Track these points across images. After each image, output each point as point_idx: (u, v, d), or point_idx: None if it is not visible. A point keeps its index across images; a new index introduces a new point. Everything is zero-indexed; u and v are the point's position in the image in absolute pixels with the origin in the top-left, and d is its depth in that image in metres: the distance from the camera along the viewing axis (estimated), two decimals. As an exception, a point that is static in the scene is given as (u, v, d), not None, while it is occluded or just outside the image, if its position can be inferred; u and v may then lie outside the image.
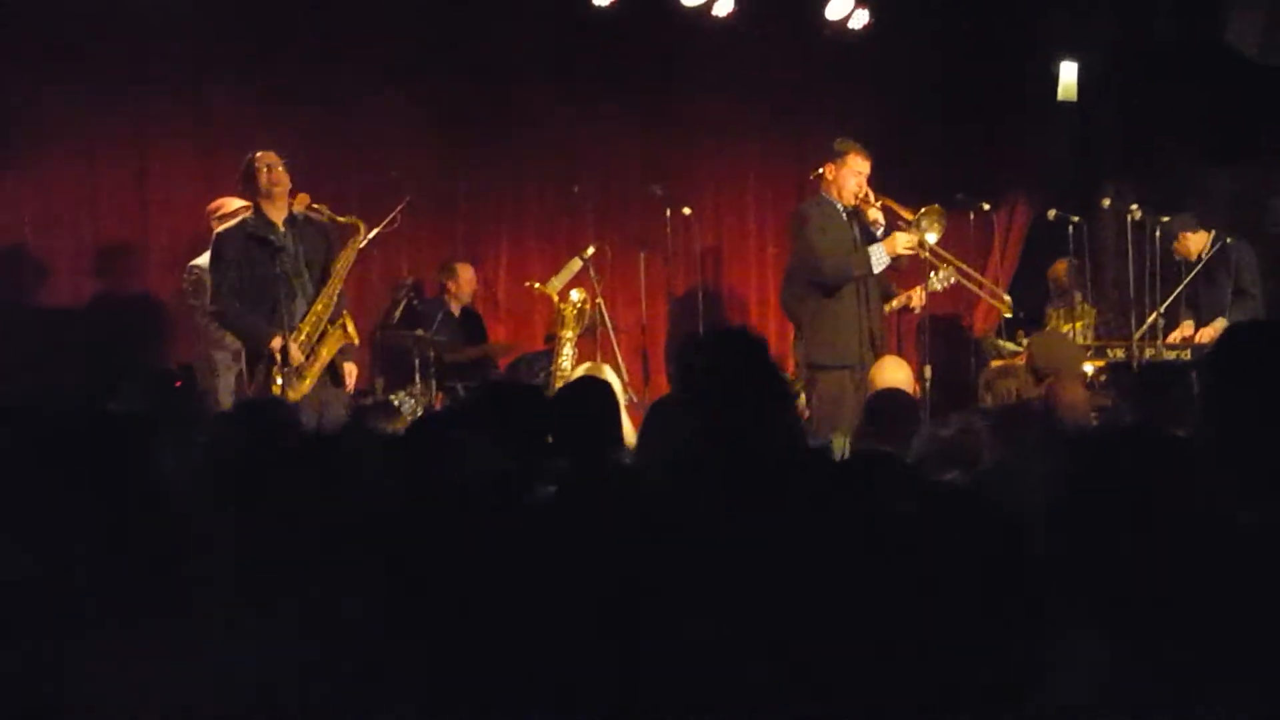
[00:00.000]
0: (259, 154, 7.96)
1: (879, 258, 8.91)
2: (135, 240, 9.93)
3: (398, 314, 9.92)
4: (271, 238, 7.84)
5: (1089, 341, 10.27)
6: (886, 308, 9.45)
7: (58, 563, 2.86)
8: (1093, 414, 7.00)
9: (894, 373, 8.20)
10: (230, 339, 8.64)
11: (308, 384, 7.88)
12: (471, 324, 10.45)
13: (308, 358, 7.89)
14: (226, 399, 8.64)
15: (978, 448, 5.73)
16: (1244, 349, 2.94)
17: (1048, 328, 10.72)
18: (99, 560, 2.89)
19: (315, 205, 8.23)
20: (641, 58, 10.69)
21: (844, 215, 9.04)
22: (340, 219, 8.21)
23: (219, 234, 8.03)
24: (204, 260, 8.99)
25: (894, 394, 6.78)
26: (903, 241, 8.92)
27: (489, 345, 10.48)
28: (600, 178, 10.94)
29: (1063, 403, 6.29)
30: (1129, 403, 6.49)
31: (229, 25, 9.63)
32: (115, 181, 9.87)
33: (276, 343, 7.73)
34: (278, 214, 7.95)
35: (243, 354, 8.15)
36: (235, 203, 9.06)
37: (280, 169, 7.94)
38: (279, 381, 7.75)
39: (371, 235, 8.49)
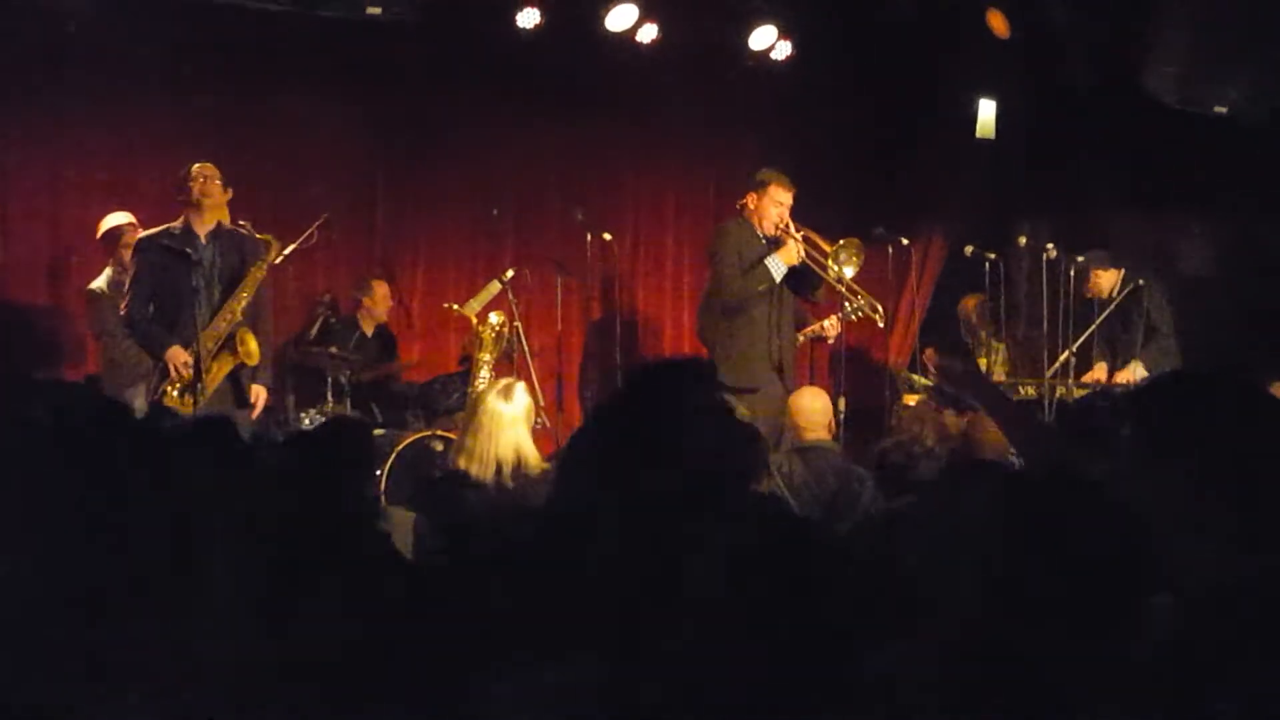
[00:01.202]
0: (197, 165, 7.96)
1: (776, 267, 8.99)
2: (46, 248, 9.80)
3: (315, 331, 9.83)
4: (189, 250, 7.80)
5: (998, 378, 10.36)
6: (800, 336, 9.49)
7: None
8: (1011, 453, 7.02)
9: (812, 402, 8.21)
10: (134, 354, 8.58)
11: (203, 399, 7.79)
12: (384, 342, 10.35)
13: (205, 373, 7.81)
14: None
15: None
16: (1171, 402, 2.94)
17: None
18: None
19: (240, 223, 8.20)
20: (565, 82, 10.64)
21: (763, 241, 9.10)
22: (257, 235, 8.16)
23: (140, 240, 8.04)
24: (99, 283, 8.95)
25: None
26: (795, 250, 8.99)
27: (399, 363, 10.40)
28: (520, 200, 10.92)
29: (983, 442, 6.28)
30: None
31: (147, 41, 9.47)
32: (28, 196, 9.76)
33: (173, 353, 7.69)
34: (203, 226, 7.95)
35: (151, 370, 8.08)
36: (116, 218, 9.02)
37: (215, 183, 7.98)
38: (173, 394, 7.71)
39: (288, 252, 8.45)
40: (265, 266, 8.20)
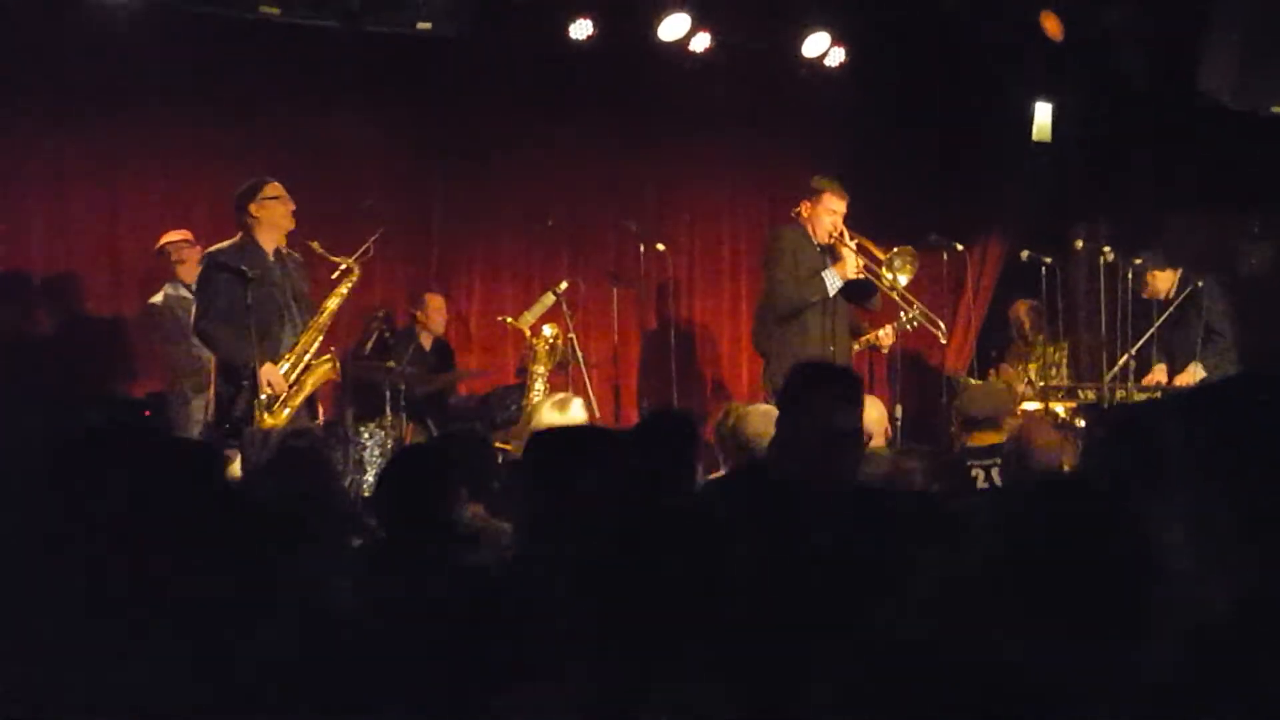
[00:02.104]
0: (270, 184, 7.98)
1: (832, 281, 8.98)
2: (105, 265, 9.91)
3: (369, 345, 9.86)
4: (263, 266, 7.84)
5: (1055, 382, 10.31)
6: (855, 345, 9.47)
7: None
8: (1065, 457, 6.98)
9: (867, 410, 8.18)
10: (197, 364, 8.64)
11: (287, 414, 7.85)
12: (442, 355, 10.39)
13: (291, 387, 7.88)
14: (194, 429, 8.61)
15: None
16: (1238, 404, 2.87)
17: (1001, 367, 10.81)
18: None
19: (311, 243, 8.24)
20: (618, 92, 10.69)
21: (817, 249, 9.08)
22: (336, 259, 8.22)
23: (210, 254, 8.01)
24: (157, 298, 9.07)
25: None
26: (853, 264, 8.96)
27: (455, 372, 10.42)
28: (574, 211, 10.94)
29: (1035, 445, 6.26)
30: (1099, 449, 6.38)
31: (201, 54, 9.59)
32: (86, 207, 9.87)
33: (266, 369, 7.71)
34: (270, 244, 7.97)
35: (212, 382, 8.13)
36: (170, 236, 9.14)
37: (290, 205, 7.99)
38: (261, 409, 7.74)
39: (345, 266, 8.48)
40: (349, 285, 8.27)
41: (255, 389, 7.74)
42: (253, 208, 7.98)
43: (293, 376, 7.92)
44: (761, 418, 6.18)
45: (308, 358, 8.01)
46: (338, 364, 8.22)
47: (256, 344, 7.73)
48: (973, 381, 9.71)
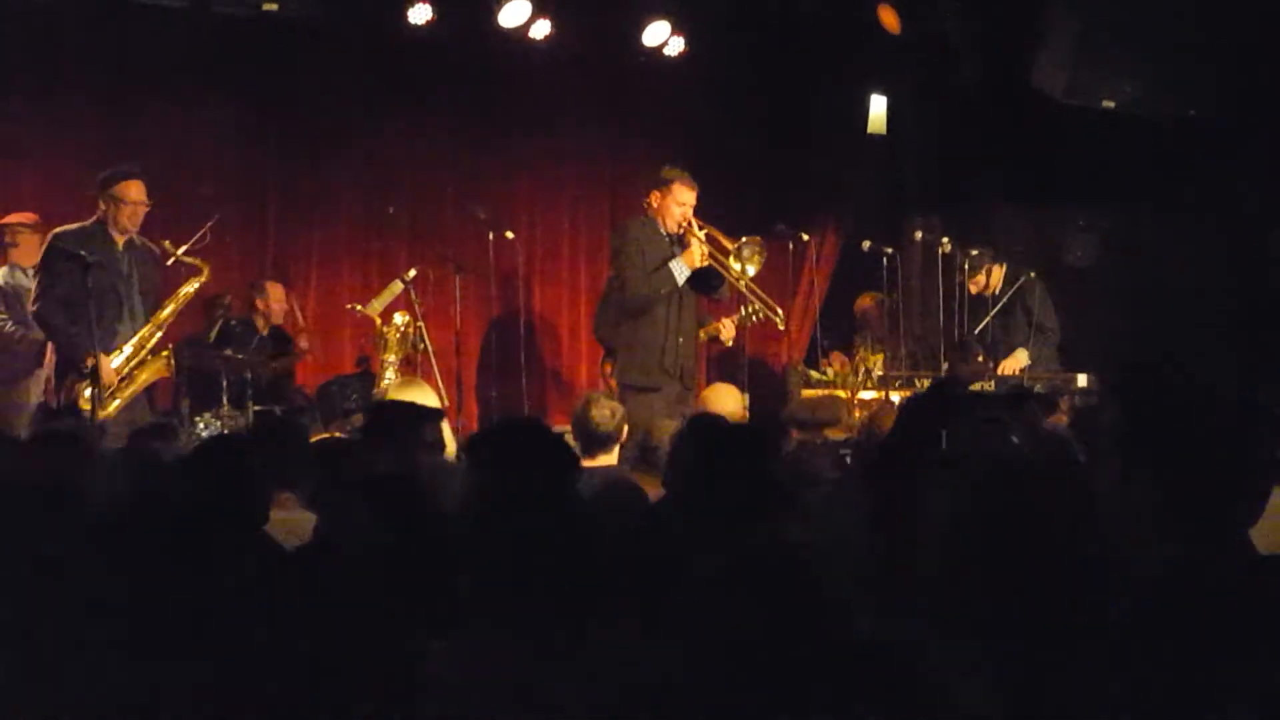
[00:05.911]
0: (125, 182, 7.98)
1: (680, 270, 8.98)
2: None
3: (214, 334, 9.60)
4: (108, 254, 7.76)
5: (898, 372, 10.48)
6: (701, 334, 9.52)
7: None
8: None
9: (725, 398, 8.27)
10: (29, 345, 8.45)
11: (115, 406, 7.78)
12: (280, 343, 10.12)
13: (121, 380, 7.79)
14: (25, 414, 8.42)
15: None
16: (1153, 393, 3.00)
17: (856, 356, 10.93)
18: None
19: (164, 242, 8.21)
20: (458, 79, 10.58)
21: (667, 239, 9.08)
22: (186, 259, 8.17)
23: (56, 235, 7.99)
24: None
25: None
26: (699, 252, 8.99)
27: (291, 355, 10.16)
28: (415, 198, 10.80)
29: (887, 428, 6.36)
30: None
31: (36, 38, 9.28)
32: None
33: (94, 359, 7.60)
34: (120, 235, 7.89)
35: (51, 363, 7.97)
36: (15, 217, 8.90)
37: (145, 210, 8.02)
38: (86, 396, 7.64)
39: (179, 253, 8.33)
40: (197, 285, 8.21)
41: (82, 378, 7.65)
42: (100, 199, 7.94)
43: (125, 370, 7.84)
44: (604, 405, 6.18)
45: (144, 352, 7.96)
46: (172, 361, 8.12)
47: (90, 332, 7.62)
48: (805, 393, 9.86)
